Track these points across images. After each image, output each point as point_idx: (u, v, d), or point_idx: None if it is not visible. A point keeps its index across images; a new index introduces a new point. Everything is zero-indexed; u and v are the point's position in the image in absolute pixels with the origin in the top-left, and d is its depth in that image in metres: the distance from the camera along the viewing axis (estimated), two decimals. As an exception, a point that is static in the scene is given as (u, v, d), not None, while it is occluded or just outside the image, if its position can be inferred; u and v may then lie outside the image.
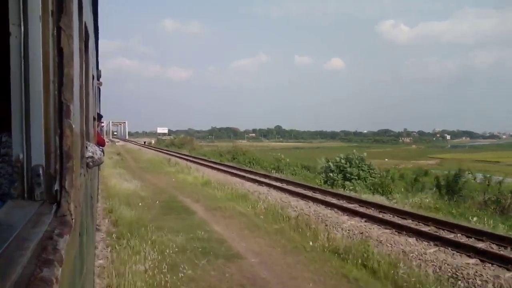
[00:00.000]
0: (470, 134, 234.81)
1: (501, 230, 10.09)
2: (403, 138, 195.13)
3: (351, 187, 18.50)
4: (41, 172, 1.12)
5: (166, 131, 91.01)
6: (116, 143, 62.36)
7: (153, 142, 78.40)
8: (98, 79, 7.61)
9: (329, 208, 12.14)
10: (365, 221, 10.46)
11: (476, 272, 6.91)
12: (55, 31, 1.15)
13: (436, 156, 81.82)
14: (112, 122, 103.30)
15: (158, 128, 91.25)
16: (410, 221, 10.34)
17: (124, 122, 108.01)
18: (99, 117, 8.25)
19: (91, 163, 2.63)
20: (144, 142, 75.84)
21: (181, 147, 56.81)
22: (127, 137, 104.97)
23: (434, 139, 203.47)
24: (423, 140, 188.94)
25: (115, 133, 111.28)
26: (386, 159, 69.17)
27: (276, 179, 19.05)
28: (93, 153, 2.65)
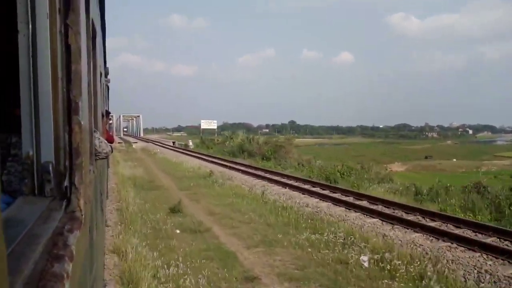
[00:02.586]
0: (491, 128, 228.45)
1: None
2: (428, 133, 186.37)
3: None
4: (50, 168, 1.13)
5: (215, 126, 56.46)
6: (133, 145, 41.50)
7: (191, 144, 48.37)
8: (106, 76, 7.65)
9: None
10: None
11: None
12: (62, 28, 1.15)
13: (504, 155, 70.67)
14: (123, 116, 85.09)
15: (201, 122, 56.31)
16: None
17: (138, 116, 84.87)
18: (107, 114, 8.31)
19: (98, 156, 2.65)
20: (173, 143, 52.48)
21: (273, 156, 30.25)
22: (141, 134, 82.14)
23: (459, 133, 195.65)
24: (453, 135, 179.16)
25: (125, 129, 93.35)
26: (454, 160, 59.78)
27: None
28: (99, 145, 2.66)
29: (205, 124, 57.93)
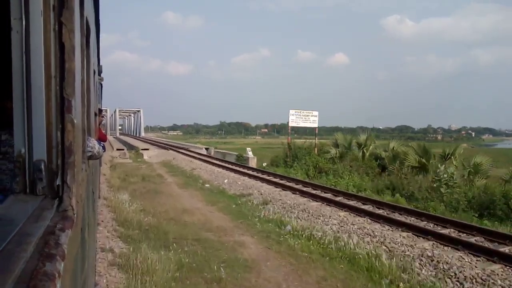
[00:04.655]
0: (491, 131, 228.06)
1: None
2: (433, 135, 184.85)
3: None
4: (43, 167, 1.12)
5: (315, 122, 25.58)
6: (144, 154, 27.68)
7: (250, 154, 26.02)
8: (99, 75, 7.59)
9: None
10: None
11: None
12: (56, 26, 1.14)
13: None
14: (119, 110, 72.72)
15: (290, 114, 23.71)
16: None
17: (138, 111, 69.85)
18: (100, 111, 8.24)
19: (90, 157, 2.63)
20: (207, 149, 34.04)
21: None
22: (142, 133, 67.31)
23: (463, 136, 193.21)
24: (458, 138, 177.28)
25: (119, 127, 78.48)
26: None
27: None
28: (91, 148, 2.66)
29: (297, 119, 25.69)
